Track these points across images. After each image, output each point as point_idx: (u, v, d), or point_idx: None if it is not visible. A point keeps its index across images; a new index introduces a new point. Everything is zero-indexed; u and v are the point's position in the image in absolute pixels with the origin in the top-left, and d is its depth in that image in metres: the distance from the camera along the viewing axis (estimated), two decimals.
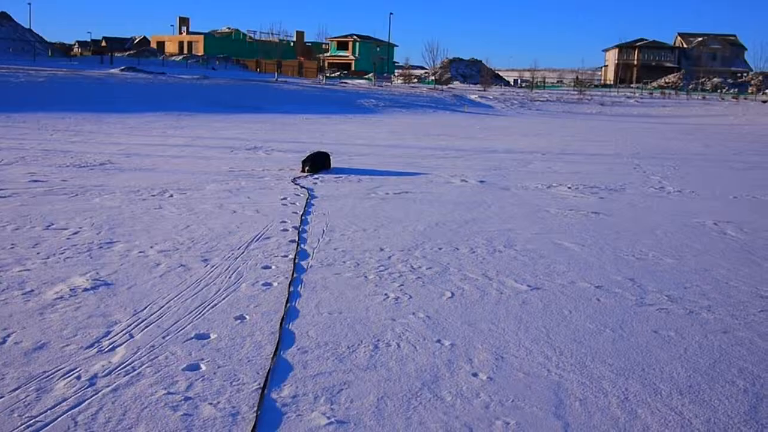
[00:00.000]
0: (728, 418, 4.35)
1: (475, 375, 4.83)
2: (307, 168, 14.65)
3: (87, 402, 4.19)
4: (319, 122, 31.16)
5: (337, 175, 14.40)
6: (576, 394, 4.60)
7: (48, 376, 4.50)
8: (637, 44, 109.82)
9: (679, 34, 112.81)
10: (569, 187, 14.11)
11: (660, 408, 4.45)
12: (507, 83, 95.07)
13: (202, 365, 4.81)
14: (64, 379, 4.49)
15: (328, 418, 4.13)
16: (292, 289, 6.57)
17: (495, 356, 5.18)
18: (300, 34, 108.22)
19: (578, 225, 10.29)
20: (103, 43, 75.52)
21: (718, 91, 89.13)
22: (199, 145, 19.53)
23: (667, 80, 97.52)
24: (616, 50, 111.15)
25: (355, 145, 21.47)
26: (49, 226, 8.75)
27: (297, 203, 11.07)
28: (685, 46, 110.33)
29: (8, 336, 5.14)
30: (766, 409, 4.48)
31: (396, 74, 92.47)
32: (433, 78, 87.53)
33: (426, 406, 4.34)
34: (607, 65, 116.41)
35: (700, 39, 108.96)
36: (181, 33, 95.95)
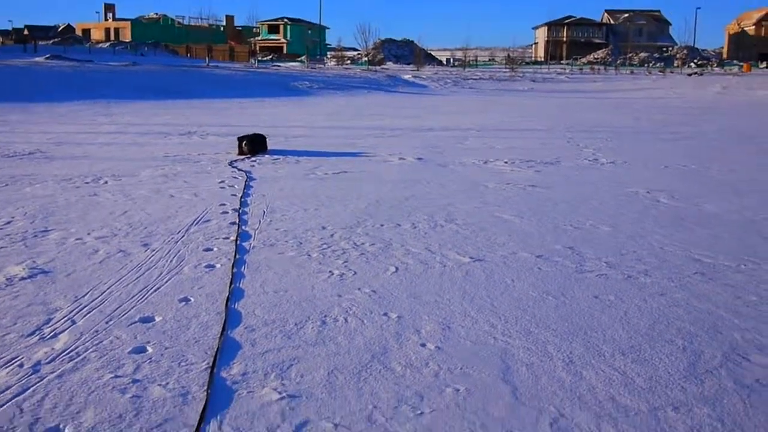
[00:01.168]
0: (669, 375, 4.48)
1: (423, 345, 4.88)
2: (244, 146, 14.43)
3: (32, 389, 4.11)
4: (252, 106, 30.85)
5: (275, 157, 14.31)
6: (522, 359, 4.68)
7: None
8: (566, 21, 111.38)
9: (606, 11, 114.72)
10: (505, 162, 14.27)
11: (604, 369, 4.57)
12: (440, 63, 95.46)
13: (148, 347, 4.75)
14: (6, 367, 4.39)
15: (280, 393, 4.13)
16: (235, 270, 6.53)
17: (442, 326, 5.23)
18: (230, 19, 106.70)
19: (516, 198, 10.43)
20: (26, 32, 73.25)
21: (646, 65, 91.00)
22: (132, 132, 19.17)
23: (596, 56, 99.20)
24: (546, 28, 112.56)
25: (291, 127, 21.34)
26: None
27: (236, 186, 10.97)
28: (612, 22, 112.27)
29: None
30: (703, 365, 4.63)
31: (329, 56, 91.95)
32: (366, 59, 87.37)
33: (376, 378, 4.37)
34: (537, 43, 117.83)
35: (626, 15, 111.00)
36: (107, 20, 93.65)
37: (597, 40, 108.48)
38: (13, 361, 4.48)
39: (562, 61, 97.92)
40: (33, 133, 18.39)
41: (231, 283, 6.09)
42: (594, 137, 19.52)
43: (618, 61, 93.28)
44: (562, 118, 26.57)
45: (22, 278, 6.16)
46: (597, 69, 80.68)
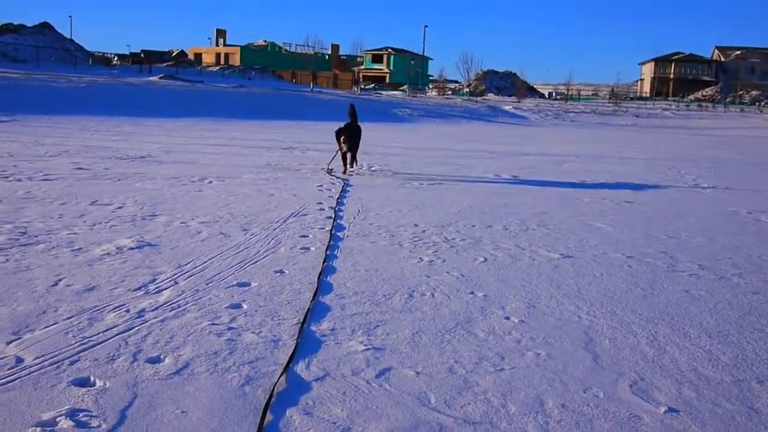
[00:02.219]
0: (755, 355, 4.44)
1: (507, 318, 4.97)
2: (343, 141, 13.97)
3: (136, 328, 4.41)
4: None
5: (372, 169, 14.60)
6: (606, 334, 4.72)
7: (98, 310, 4.73)
8: (674, 58, 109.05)
9: (717, 48, 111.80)
10: (602, 182, 14.16)
11: (688, 347, 4.56)
12: (541, 96, 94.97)
13: (243, 305, 5.01)
14: (114, 312, 4.71)
15: (365, 345, 4.30)
16: (329, 252, 6.76)
17: (527, 305, 5.32)
18: (335, 47, 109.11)
19: (611, 211, 10.37)
20: (142, 56, 76.86)
21: (757, 104, 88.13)
22: (236, 145, 19.87)
23: (704, 93, 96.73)
24: (652, 64, 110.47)
25: (390, 147, 21.68)
26: (94, 202, 9.04)
27: (333, 190, 11.28)
28: (722, 59, 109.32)
29: (60, 280, 5.38)
30: None
31: (430, 86, 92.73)
32: (467, 90, 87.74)
33: (459, 340, 4.49)
34: (642, 79, 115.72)
35: (738, 52, 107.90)
36: (218, 45, 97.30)
37: (706, 78, 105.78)
38: (120, 308, 4.80)
39: (668, 98, 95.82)
40: (144, 142, 19.28)
41: (324, 261, 6.32)
42: (696, 166, 19.11)
43: (727, 99, 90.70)
44: (664, 150, 26.08)
45: (131, 248, 6.55)
46: (705, 106, 78.60)
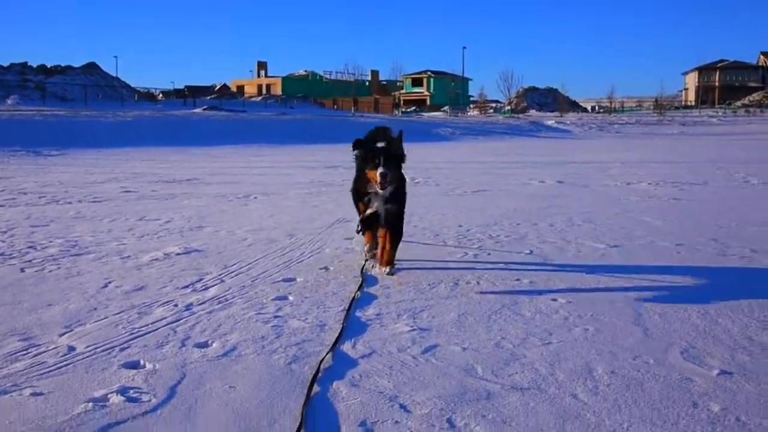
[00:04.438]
0: None
1: (554, 300, 4.93)
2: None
3: (184, 320, 4.46)
4: None
5: (416, 180, 14.63)
6: (655, 310, 4.65)
7: (147, 305, 4.80)
8: (718, 65, 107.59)
9: (762, 53, 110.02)
10: (650, 183, 14.00)
11: (741, 318, 4.47)
12: (584, 110, 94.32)
13: (290, 297, 5.05)
14: (163, 306, 4.78)
15: (411, 327, 4.29)
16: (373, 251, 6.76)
17: (573, 287, 5.27)
18: (375, 73, 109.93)
19: (658, 208, 10.24)
20: (186, 91, 78.31)
21: None
22: (281, 166, 20.08)
23: (750, 99, 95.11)
24: (696, 73, 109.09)
25: (433, 161, 21.70)
26: (142, 218, 9.19)
27: None
28: None
29: (109, 283, 5.48)
30: None
31: (471, 107, 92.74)
32: (508, 108, 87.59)
33: (506, 320, 4.46)
34: (687, 88, 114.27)
35: None
36: (259, 77, 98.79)
37: (752, 83, 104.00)
38: (168, 303, 4.87)
39: (714, 106, 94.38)
40: (190, 168, 19.59)
41: (368, 259, 6.32)
42: (746, 167, 18.77)
43: None
44: (712, 154, 25.69)
45: (178, 254, 6.65)
46: (752, 111, 77.28)
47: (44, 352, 3.84)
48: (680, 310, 4.65)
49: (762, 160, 21.50)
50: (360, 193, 5.83)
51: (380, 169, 5.36)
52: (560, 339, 4.05)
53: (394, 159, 5.53)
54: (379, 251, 5.84)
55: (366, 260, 5.99)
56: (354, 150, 5.81)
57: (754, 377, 3.46)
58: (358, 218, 6.02)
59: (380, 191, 5.53)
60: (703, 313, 4.58)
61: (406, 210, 5.98)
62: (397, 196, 5.71)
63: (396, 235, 5.79)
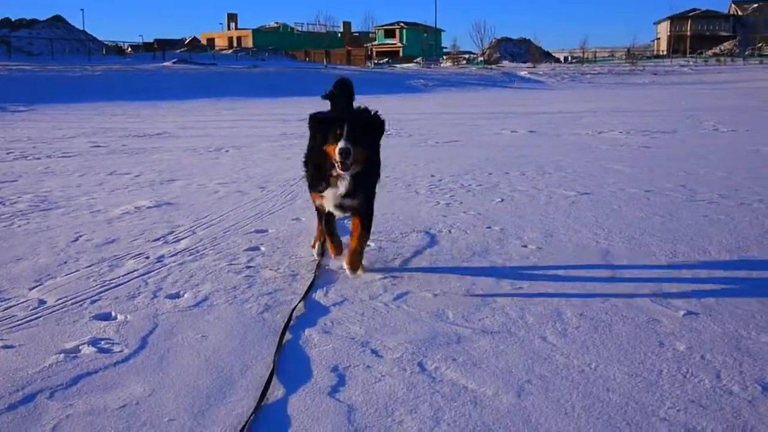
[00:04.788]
0: None
1: (524, 246, 4.97)
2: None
3: (156, 271, 4.45)
4: (369, 101, 31.30)
5: (387, 133, 14.54)
6: (623, 255, 4.71)
7: (118, 258, 4.78)
8: (690, 14, 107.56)
9: (734, 2, 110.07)
10: (620, 132, 14.06)
11: (708, 261, 4.54)
12: (557, 61, 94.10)
13: (261, 247, 5.05)
14: (134, 258, 4.76)
15: (383, 275, 4.32)
16: None
17: (544, 235, 5.31)
18: (347, 25, 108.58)
19: (629, 155, 10.30)
20: (155, 45, 76.96)
21: None
22: (252, 119, 19.91)
23: (722, 48, 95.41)
24: (668, 22, 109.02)
25: (405, 113, 21.60)
26: (113, 172, 9.10)
27: None
28: (740, 13, 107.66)
29: (79, 236, 5.44)
30: None
31: (444, 58, 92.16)
32: (481, 59, 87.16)
33: (477, 267, 4.50)
34: (659, 38, 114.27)
35: (755, 5, 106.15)
36: (230, 29, 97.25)
37: (723, 33, 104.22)
38: (140, 255, 4.85)
39: (685, 55, 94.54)
40: (160, 122, 19.35)
41: None
42: (716, 115, 18.88)
43: (746, 53, 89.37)
44: (682, 103, 25.80)
45: (149, 207, 6.60)
46: (723, 61, 77.56)
47: (14, 305, 3.82)
48: (648, 254, 4.72)
49: (732, 108, 21.64)
50: (314, 178, 4.31)
51: (341, 143, 3.88)
52: (530, 284, 4.10)
53: (364, 130, 4.06)
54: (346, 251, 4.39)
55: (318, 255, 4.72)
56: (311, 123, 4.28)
57: (719, 318, 3.52)
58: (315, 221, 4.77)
59: (342, 173, 4.02)
60: (670, 257, 4.65)
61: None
62: (363, 185, 4.23)
63: (364, 228, 4.33)
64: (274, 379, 2.89)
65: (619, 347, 3.17)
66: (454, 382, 2.84)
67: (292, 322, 3.53)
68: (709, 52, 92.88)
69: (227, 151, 11.64)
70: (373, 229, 5.36)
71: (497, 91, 43.73)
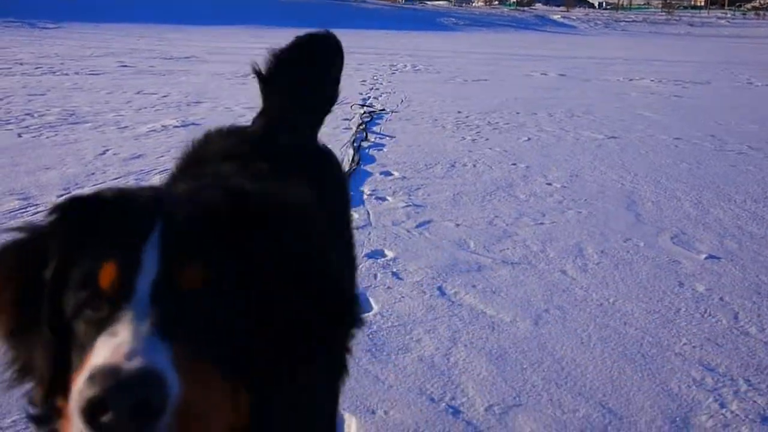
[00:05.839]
0: None
1: (549, 184, 4.96)
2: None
3: None
4: (397, 36, 31.03)
5: (416, 68, 14.45)
6: (648, 198, 4.69)
7: (145, 173, 4.83)
8: None
9: None
10: (652, 80, 13.83)
11: (732, 208, 4.52)
12: (591, 5, 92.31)
13: None
14: (160, 174, 4.80)
15: (406, 203, 4.34)
16: (369, 132, 6.75)
17: (569, 174, 5.29)
18: None
19: (659, 103, 10.16)
20: None
21: None
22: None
23: (762, 1, 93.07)
24: None
25: (434, 50, 21.38)
26: (140, 92, 9.11)
27: (376, 86, 11.19)
28: None
29: (107, 150, 5.49)
30: None
31: None
32: (514, 0, 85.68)
33: (500, 200, 4.50)
34: None
35: None
36: None
37: None
38: (166, 171, 4.87)
39: (724, 7, 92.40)
40: (188, 45, 19.28)
41: (365, 139, 6.32)
42: (750, 68, 18.52)
43: None
44: (718, 56, 25.32)
45: (176, 126, 6.63)
46: (762, 14, 75.71)
47: (42, 211, 3.87)
48: (673, 198, 4.70)
49: (766, 61, 21.22)
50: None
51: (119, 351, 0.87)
52: (553, 220, 4.11)
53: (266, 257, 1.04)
54: None
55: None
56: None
57: (741, 263, 3.52)
58: None
59: None
60: (696, 202, 4.63)
61: None
62: None
63: None
64: None
65: (639, 285, 3.19)
66: (472, 307, 2.88)
67: None
68: (749, 6, 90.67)
69: (254, 77, 11.58)
70: (396, 159, 5.38)
71: (529, 33, 43.05)
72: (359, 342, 2.53)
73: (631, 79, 13.88)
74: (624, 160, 5.89)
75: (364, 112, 7.82)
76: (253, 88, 8.07)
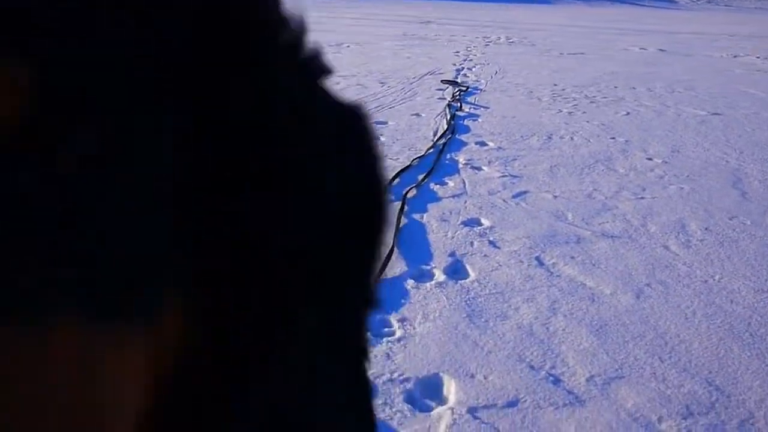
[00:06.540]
0: None
1: (649, 159, 4.82)
2: None
3: None
4: (490, 8, 30.61)
5: (510, 41, 14.24)
6: (755, 176, 4.51)
7: None
8: None
9: None
10: (758, 57, 13.28)
11: None
12: None
13: (381, 138, 5.06)
14: None
15: (502, 173, 4.28)
16: (464, 102, 6.69)
17: (670, 149, 5.13)
18: None
19: (765, 82, 9.73)
20: None
21: None
22: (374, 19, 19.77)
23: None
24: None
25: (528, 23, 21.02)
26: None
27: (470, 56, 11.09)
28: None
29: None
30: None
31: None
32: None
33: (599, 174, 4.40)
34: None
35: None
36: None
37: None
38: None
39: None
40: None
41: (461, 108, 6.27)
42: None
43: None
44: None
45: None
46: None
47: None
48: None
49: None
50: None
51: None
52: (654, 195, 3.99)
53: None
54: None
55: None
56: None
57: None
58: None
59: None
60: None
61: None
62: None
63: None
64: (393, 256, 2.93)
65: (746, 263, 3.07)
66: (571, 278, 2.83)
67: (406, 206, 3.54)
68: None
69: (348, 46, 11.66)
70: (491, 130, 5.32)
71: (628, 7, 41.91)
72: (456, 306, 2.52)
73: (735, 56, 13.36)
74: (728, 137, 5.67)
75: (457, 86, 7.74)
76: (347, 56, 8.15)
